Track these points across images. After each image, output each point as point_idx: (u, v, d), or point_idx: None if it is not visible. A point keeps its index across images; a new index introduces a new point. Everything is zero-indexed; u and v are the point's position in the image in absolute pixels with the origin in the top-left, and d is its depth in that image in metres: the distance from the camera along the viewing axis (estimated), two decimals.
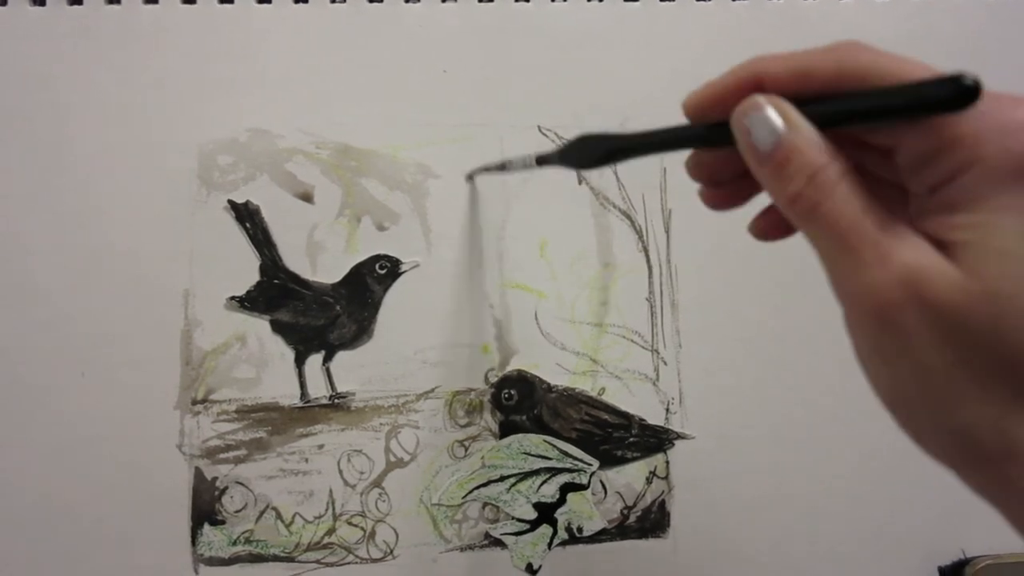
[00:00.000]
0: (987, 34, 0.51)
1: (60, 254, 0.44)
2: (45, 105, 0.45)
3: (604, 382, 0.46)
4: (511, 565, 0.44)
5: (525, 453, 0.45)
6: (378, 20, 0.48)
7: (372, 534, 0.44)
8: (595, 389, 0.46)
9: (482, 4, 0.48)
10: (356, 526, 0.44)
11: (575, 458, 0.45)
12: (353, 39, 0.47)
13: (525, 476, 0.45)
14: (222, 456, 0.44)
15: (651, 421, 0.46)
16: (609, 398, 0.46)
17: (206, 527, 0.43)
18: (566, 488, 0.45)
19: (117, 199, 0.45)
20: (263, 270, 0.45)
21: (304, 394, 0.44)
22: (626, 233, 0.47)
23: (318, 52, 0.47)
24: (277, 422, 0.44)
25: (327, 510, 0.44)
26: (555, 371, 0.46)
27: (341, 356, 0.45)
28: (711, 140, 0.26)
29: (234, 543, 0.43)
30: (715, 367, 0.47)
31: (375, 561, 0.44)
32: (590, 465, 0.45)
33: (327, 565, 0.43)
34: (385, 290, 0.45)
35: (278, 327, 0.45)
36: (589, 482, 0.45)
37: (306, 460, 0.44)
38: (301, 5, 0.47)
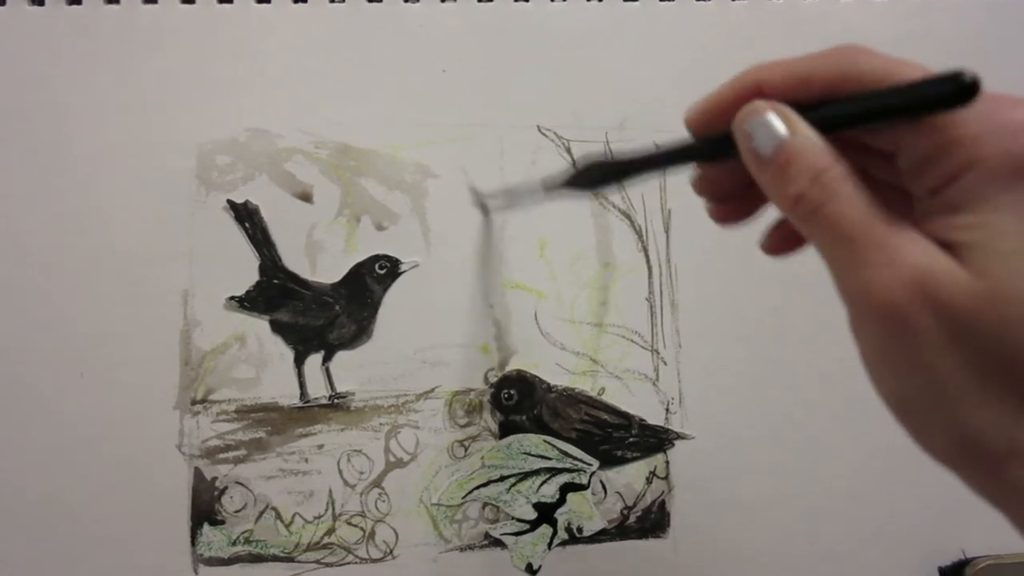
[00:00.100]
0: (987, 34, 0.51)
1: (59, 254, 0.44)
2: (44, 105, 0.45)
3: (604, 382, 0.46)
4: (511, 565, 0.44)
5: (525, 453, 0.45)
6: (377, 20, 0.48)
7: (372, 534, 0.44)
8: (595, 389, 0.46)
9: (482, 4, 0.48)
10: (356, 526, 0.44)
11: (575, 458, 0.45)
12: (352, 39, 0.47)
13: (525, 476, 0.45)
14: (222, 456, 0.43)
15: (651, 421, 0.46)
16: (609, 398, 0.46)
17: (206, 527, 0.43)
18: (566, 488, 0.45)
19: (116, 199, 0.45)
20: (262, 270, 0.45)
21: (304, 394, 0.44)
22: (626, 233, 0.47)
23: (317, 52, 0.47)
24: (277, 422, 0.44)
25: (327, 510, 0.44)
26: (555, 371, 0.46)
27: (341, 356, 0.45)
28: (714, 153, 0.27)
29: (234, 543, 0.43)
30: (715, 367, 0.47)
31: (375, 561, 0.44)
32: (590, 465, 0.45)
33: (327, 565, 0.43)
34: (384, 290, 0.45)
35: (277, 327, 0.45)
36: (589, 482, 0.45)
37: (306, 460, 0.44)
38: (300, 5, 0.47)
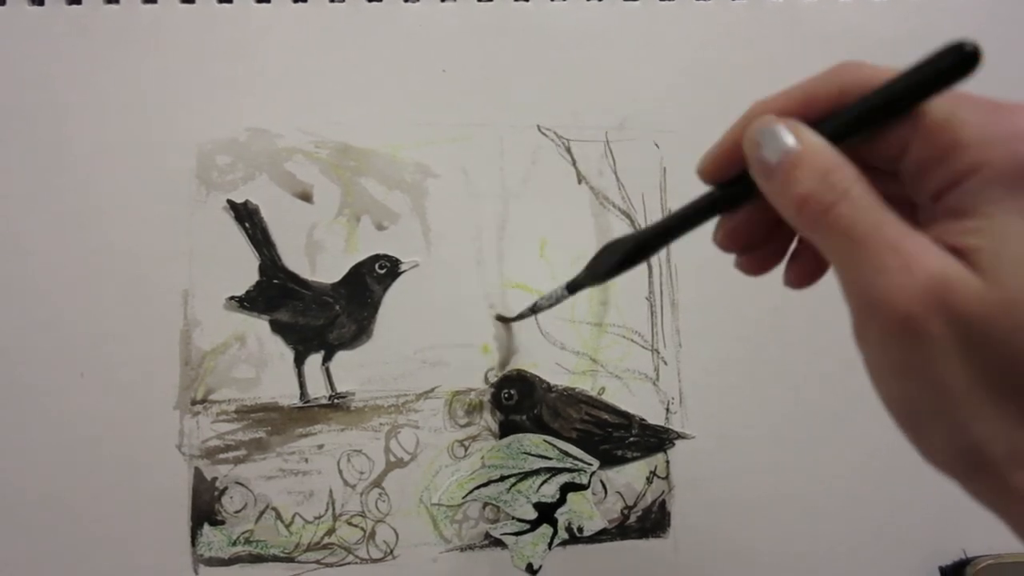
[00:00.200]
0: (987, 34, 0.51)
1: (59, 254, 0.44)
2: (44, 105, 0.45)
3: (604, 382, 0.46)
4: (511, 565, 0.44)
5: (525, 453, 0.45)
6: (377, 19, 0.48)
7: (372, 534, 0.44)
8: (595, 389, 0.46)
9: (481, 4, 0.48)
10: (356, 526, 0.44)
11: (575, 458, 0.45)
12: (352, 38, 0.47)
13: (525, 476, 0.45)
14: (222, 456, 0.43)
15: (651, 421, 0.46)
16: (609, 398, 0.46)
17: (206, 527, 0.43)
18: (566, 488, 0.45)
19: (116, 199, 0.45)
20: (262, 270, 0.45)
21: (304, 394, 0.44)
22: (626, 232, 0.47)
23: (317, 51, 0.47)
24: (277, 422, 0.44)
25: (327, 510, 0.44)
26: (555, 371, 0.46)
27: (341, 356, 0.45)
28: (731, 198, 0.26)
29: (234, 543, 0.43)
30: (715, 367, 0.47)
31: (375, 561, 0.44)
32: (590, 465, 0.45)
33: (327, 565, 0.43)
34: (384, 290, 0.45)
35: (277, 327, 0.45)
36: (589, 482, 0.45)
37: (306, 460, 0.44)
38: (300, 4, 0.47)
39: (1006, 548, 0.45)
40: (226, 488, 0.43)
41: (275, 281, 0.45)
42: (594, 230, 0.47)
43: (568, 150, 0.48)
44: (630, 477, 0.46)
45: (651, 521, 0.45)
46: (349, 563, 0.44)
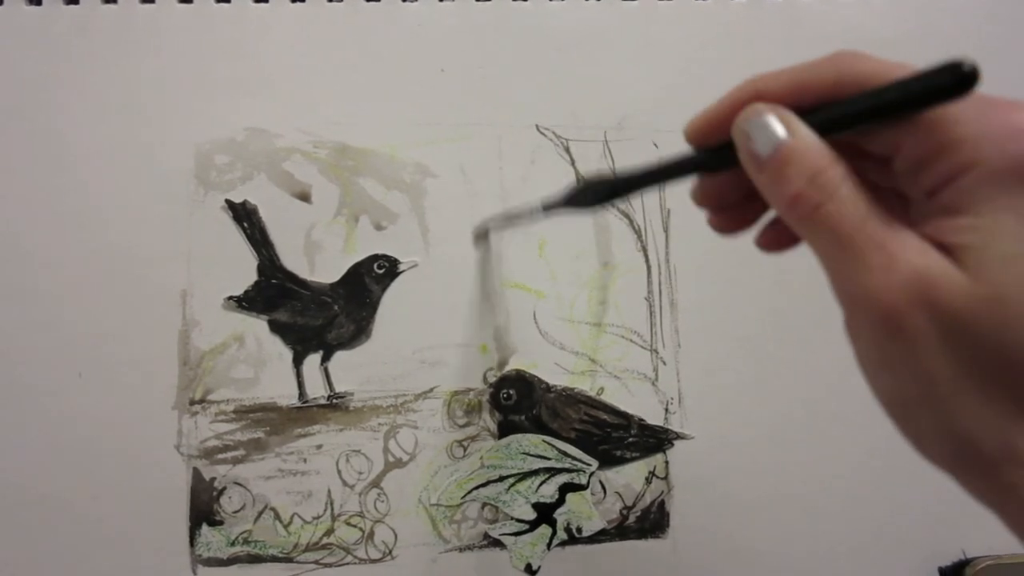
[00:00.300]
0: (987, 34, 0.51)
1: (56, 254, 0.44)
2: (41, 105, 0.45)
3: (603, 382, 0.46)
4: (510, 565, 0.44)
5: (524, 453, 0.45)
6: (376, 19, 0.48)
7: (371, 534, 0.44)
8: (594, 389, 0.46)
9: (480, 3, 0.48)
10: (355, 526, 0.44)
11: (574, 458, 0.45)
12: (351, 38, 0.47)
13: (524, 476, 0.45)
14: (220, 456, 0.43)
15: (650, 421, 0.46)
16: (608, 398, 0.46)
17: (204, 528, 0.43)
18: (565, 488, 0.45)
19: (114, 199, 0.45)
20: (261, 270, 0.45)
21: (302, 394, 0.44)
22: (625, 233, 0.47)
23: (316, 51, 0.47)
24: (275, 422, 0.44)
25: (325, 510, 0.44)
26: (554, 371, 0.46)
27: (339, 356, 0.45)
28: (713, 164, 0.26)
29: (232, 544, 0.43)
30: (714, 367, 0.47)
31: (374, 562, 0.44)
32: (589, 465, 0.45)
33: (326, 566, 0.43)
34: (383, 290, 0.45)
35: (276, 327, 0.45)
36: (588, 482, 0.45)
37: (304, 460, 0.44)
38: (298, 4, 0.47)
39: (1005, 549, 0.45)
40: (224, 488, 0.43)
41: (274, 281, 0.45)
42: (593, 230, 0.47)
43: (567, 150, 0.48)
44: (629, 477, 0.46)
45: (650, 521, 0.45)
46: (348, 563, 0.43)
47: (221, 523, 0.43)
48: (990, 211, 0.21)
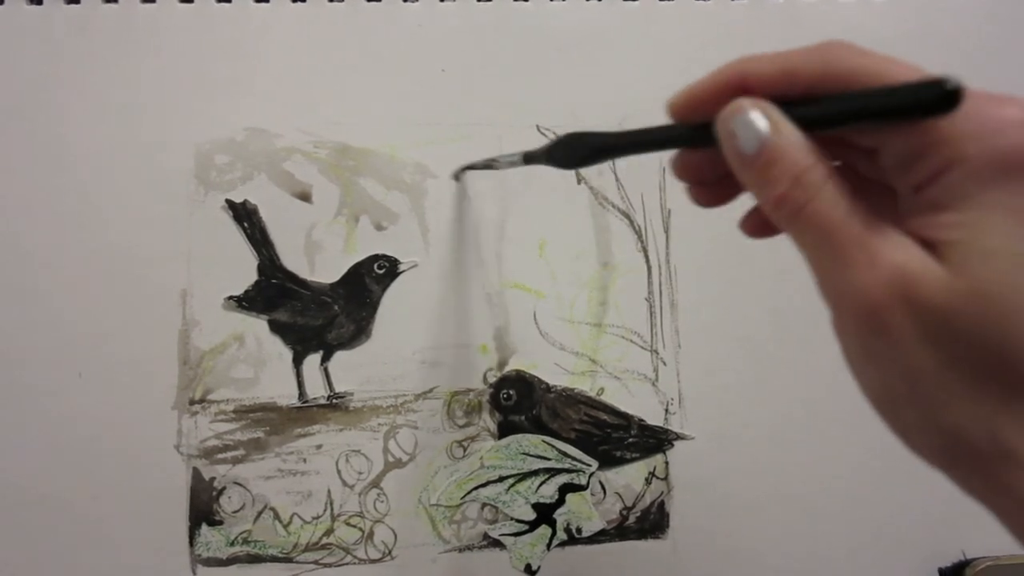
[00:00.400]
0: (987, 34, 0.51)
1: (57, 254, 0.44)
2: (42, 104, 0.45)
3: (603, 382, 0.46)
4: (510, 566, 0.44)
5: (524, 454, 0.45)
6: (376, 19, 0.48)
7: (370, 535, 0.44)
8: (594, 389, 0.46)
9: (481, 3, 0.48)
10: (354, 527, 0.44)
11: (574, 459, 0.45)
12: (351, 38, 0.47)
13: (524, 477, 0.45)
14: (220, 456, 0.43)
15: (650, 421, 0.46)
16: (608, 398, 0.46)
17: (204, 528, 0.43)
18: (565, 489, 0.45)
19: (114, 199, 0.45)
20: (261, 270, 0.45)
21: (302, 394, 0.44)
22: (625, 233, 0.47)
23: (316, 51, 0.47)
24: (275, 422, 0.44)
25: (325, 510, 0.44)
26: (554, 371, 0.46)
27: (339, 356, 0.45)
28: (696, 140, 0.26)
29: (232, 544, 0.43)
30: (714, 367, 0.47)
31: (373, 562, 0.44)
32: (589, 466, 0.45)
33: (325, 566, 0.43)
34: (383, 290, 0.45)
35: (276, 327, 0.45)
36: (588, 483, 0.45)
37: (304, 460, 0.44)
38: (299, 4, 0.47)
39: (1005, 550, 0.45)
40: (224, 488, 0.43)
41: (274, 281, 0.45)
42: (593, 230, 0.47)
43: None
44: (629, 478, 0.45)
45: (650, 522, 0.45)
46: (347, 563, 0.43)
47: (221, 523, 0.43)
48: (975, 207, 0.21)
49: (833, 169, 0.23)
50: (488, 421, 0.45)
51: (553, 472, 0.45)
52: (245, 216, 0.45)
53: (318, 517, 0.44)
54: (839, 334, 0.23)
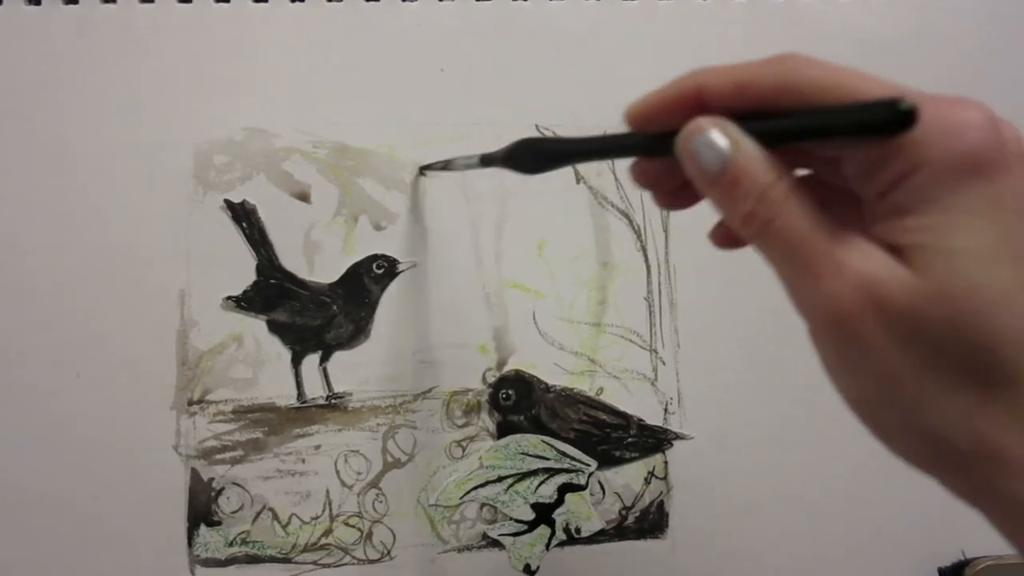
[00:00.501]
0: (987, 34, 0.51)
1: (55, 254, 0.44)
2: (40, 104, 0.45)
3: (602, 382, 0.46)
4: (509, 566, 0.44)
5: (523, 453, 0.45)
6: (375, 19, 0.48)
7: (369, 535, 0.44)
8: (593, 389, 0.46)
9: (480, 3, 0.48)
10: (353, 527, 0.44)
11: (573, 458, 0.45)
12: (350, 38, 0.47)
13: (523, 477, 0.45)
14: (218, 457, 0.43)
15: (649, 421, 0.46)
16: (607, 398, 0.46)
17: (202, 528, 0.43)
18: (564, 489, 0.45)
19: (112, 199, 0.45)
20: (259, 270, 0.45)
21: (301, 394, 0.44)
22: (624, 232, 0.47)
23: (315, 51, 0.47)
24: (274, 423, 0.44)
25: (324, 511, 0.44)
26: (553, 371, 0.46)
27: (338, 356, 0.45)
28: (654, 149, 0.26)
29: (230, 544, 0.43)
30: (714, 367, 0.47)
31: (372, 562, 0.44)
32: (588, 466, 0.45)
33: (324, 566, 0.43)
34: (382, 290, 0.45)
35: (275, 327, 0.45)
36: (587, 483, 0.45)
37: (303, 461, 0.44)
38: (298, 4, 0.47)
39: (1005, 549, 0.45)
40: (223, 489, 0.43)
41: (272, 281, 0.45)
42: (592, 230, 0.47)
43: None
44: (628, 478, 0.45)
45: (649, 522, 0.45)
46: (346, 564, 0.43)
47: (219, 523, 0.43)
48: (938, 210, 0.21)
49: (795, 182, 0.23)
50: (487, 421, 0.45)
51: (552, 472, 0.45)
52: (244, 216, 0.45)
53: (317, 517, 0.44)
54: (815, 344, 0.24)
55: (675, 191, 0.29)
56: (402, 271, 0.45)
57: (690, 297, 0.47)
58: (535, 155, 0.31)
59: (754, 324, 0.47)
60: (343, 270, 0.45)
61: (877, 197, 0.22)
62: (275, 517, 0.43)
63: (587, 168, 0.47)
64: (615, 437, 0.45)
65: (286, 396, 0.44)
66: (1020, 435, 0.20)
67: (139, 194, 0.45)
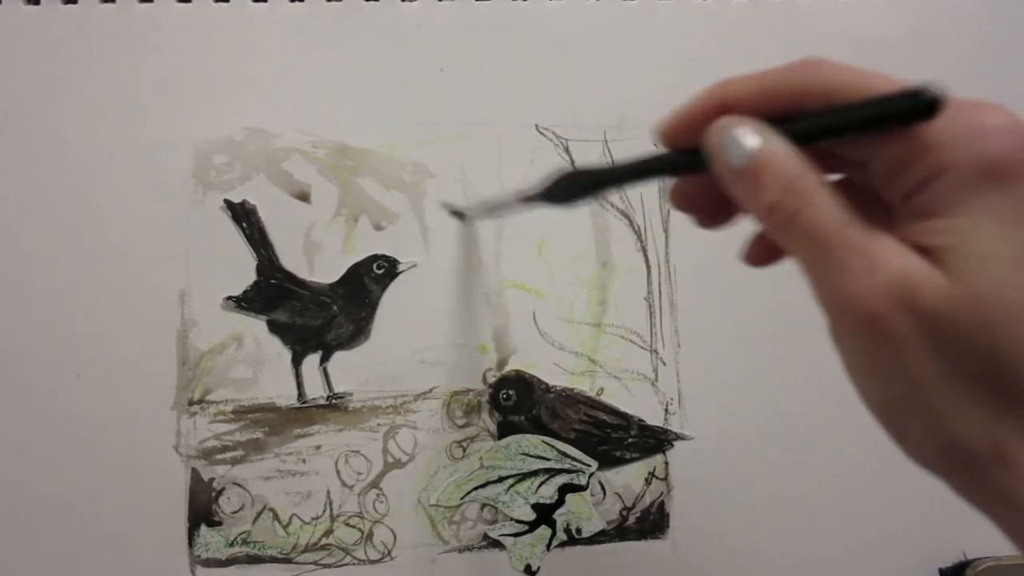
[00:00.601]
0: (987, 34, 0.51)
1: (55, 254, 0.44)
2: (39, 104, 0.45)
3: (602, 382, 0.46)
4: (509, 566, 0.44)
5: (523, 454, 0.45)
6: (375, 19, 0.48)
7: (370, 535, 0.44)
8: (593, 389, 0.46)
9: (480, 3, 0.48)
10: (354, 527, 0.44)
11: (574, 459, 0.45)
12: (350, 38, 0.47)
13: (523, 477, 0.45)
14: (219, 457, 0.43)
15: (650, 421, 0.46)
16: (608, 398, 0.46)
17: (203, 528, 0.43)
18: (565, 489, 0.45)
19: (112, 199, 0.45)
20: (260, 270, 0.45)
21: (301, 394, 0.44)
22: (624, 233, 0.47)
23: (315, 51, 0.47)
24: (274, 423, 0.44)
25: (324, 511, 0.44)
26: (553, 371, 0.46)
27: (338, 356, 0.45)
28: (686, 166, 0.26)
29: (231, 544, 0.43)
30: (714, 367, 0.46)
31: (373, 562, 0.44)
32: (589, 466, 0.45)
33: (325, 566, 0.43)
34: (383, 290, 0.45)
35: (275, 327, 0.45)
36: (588, 483, 0.45)
37: (303, 461, 0.44)
38: (297, 4, 0.47)
39: (1006, 550, 0.45)
40: (223, 489, 0.43)
41: (272, 281, 0.45)
42: (593, 230, 0.47)
43: (567, 150, 0.47)
44: (629, 478, 0.45)
45: (650, 522, 0.45)
46: (347, 564, 0.43)
47: (220, 524, 0.43)
48: (966, 212, 0.21)
49: (825, 178, 0.23)
50: (488, 421, 0.45)
51: (553, 472, 0.45)
52: (244, 216, 0.45)
53: (317, 518, 0.44)
54: (837, 343, 0.23)
55: (715, 210, 0.29)
56: (402, 271, 0.45)
57: (690, 297, 0.47)
58: (575, 187, 0.31)
59: (754, 324, 0.47)
60: (343, 270, 0.45)
61: (904, 199, 0.22)
62: (276, 517, 0.43)
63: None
64: (616, 437, 0.45)
65: (286, 396, 0.44)
66: None
67: (139, 194, 0.45)
